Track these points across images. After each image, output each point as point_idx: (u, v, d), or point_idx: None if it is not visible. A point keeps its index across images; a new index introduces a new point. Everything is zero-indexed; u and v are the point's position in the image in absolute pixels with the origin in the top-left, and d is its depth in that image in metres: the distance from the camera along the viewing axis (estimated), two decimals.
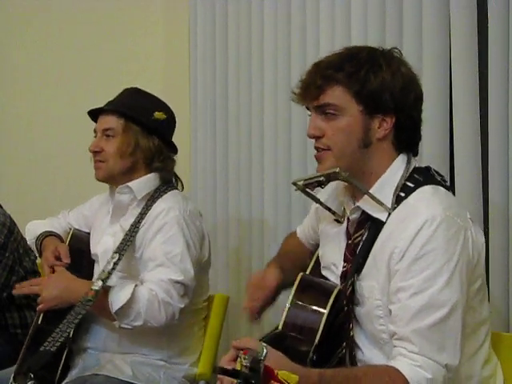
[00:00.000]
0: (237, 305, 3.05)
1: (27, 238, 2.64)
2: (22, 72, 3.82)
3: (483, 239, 1.79)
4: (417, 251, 1.67)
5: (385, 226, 1.76)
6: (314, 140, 1.81)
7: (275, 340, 1.79)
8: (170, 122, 2.51)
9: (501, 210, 2.24)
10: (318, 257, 2.04)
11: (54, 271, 2.42)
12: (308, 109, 1.84)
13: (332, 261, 1.91)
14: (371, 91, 1.75)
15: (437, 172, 1.85)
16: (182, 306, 2.30)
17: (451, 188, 2.28)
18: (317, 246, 2.10)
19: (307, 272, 2.02)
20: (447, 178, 2.30)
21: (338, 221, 1.91)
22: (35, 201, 3.66)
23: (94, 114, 2.50)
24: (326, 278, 1.93)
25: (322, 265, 1.97)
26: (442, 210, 1.70)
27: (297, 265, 2.10)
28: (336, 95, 1.76)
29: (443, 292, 1.65)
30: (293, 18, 2.84)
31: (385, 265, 1.73)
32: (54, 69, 3.72)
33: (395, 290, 1.69)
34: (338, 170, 1.76)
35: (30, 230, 2.62)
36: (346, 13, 2.63)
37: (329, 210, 1.92)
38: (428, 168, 1.85)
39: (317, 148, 1.81)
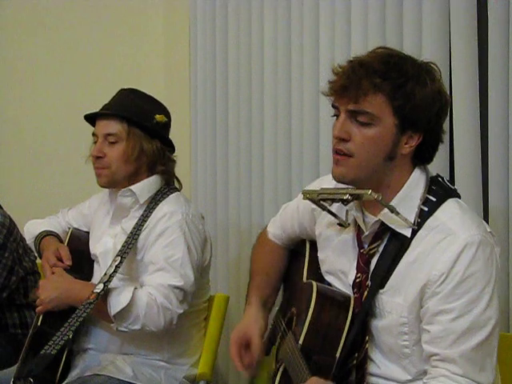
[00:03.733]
0: (237, 305, 3.05)
1: (26, 238, 2.64)
2: (23, 73, 3.82)
3: (499, 249, 1.78)
4: (460, 275, 1.66)
5: (413, 243, 1.74)
6: (335, 142, 1.75)
7: (305, 358, 1.78)
8: (169, 122, 2.51)
9: (501, 211, 2.24)
10: (309, 258, 2.02)
11: (53, 272, 2.42)
12: (334, 106, 1.77)
13: (340, 268, 1.88)
14: (411, 109, 1.70)
15: (447, 180, 1.85)
16: (181, 311, 2.30)
17: None
18: (295, 244, 2.08)
19: (304, 276, 2.00)
20: (447, 179, 2.31)
21: (340, 225, 1.88)
22: (35, 201, 3.65)
23: (90, 117, 2.46)
24: (329, 283, 1.91)
25: (324, 269, 1.95)
26: (477, 230, 1.70)
27: (276, 277, 2.10)
28: (376, 104, 1.69)
29: (485, 313, 1.66)
30: (293, 19, 2.84)
31: (418, 286, 1.71)
32: (54, 69, 3.71)
33: (435, 312, 1.68)
34: (370, 192, 1.72)
35: (29, 230, 2.62)
36: (346, 13, 2.62)
37: (334, 216, 1.87)
38: (438, 176, 1.83)
39: (338, 150, 1.74)
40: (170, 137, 2.51)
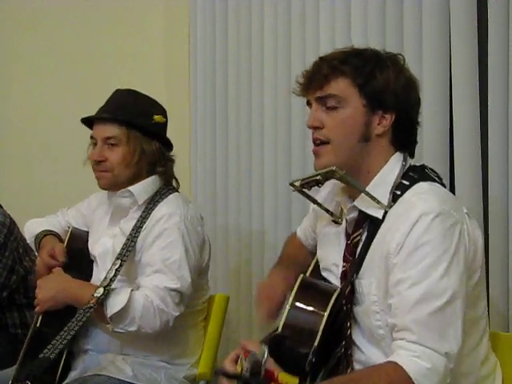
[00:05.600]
0: (237, 305, 3.05)
1: (26, 237, 2.62)
2: (22, 73, 3.82)
3: (480, 232, 1.79)
4: (413, 243, 1.67)
5: (382, 224, 1.77)
6: (312, 132, 1.82)
7: (275, 342, 1.78)
8: (167, 122, 2.49)
9: (501, 211, 2.24)
10: (316, 260, 2.03)
11: (50, 271, 2.41)
12: (308, 103, 1.85)
13: (333, 262, 1.91)
14: (375, 87, 1.77)
15: (432, 170, 1.86)
16: (177, 314, 2.29)
17: (451, 188, 2.29)
18: (316, 246, 2.10)
19: (308, 273, 2.01)
20: (447, 178, 2.31)
21: (335, 222, 1.91)
22: (35, 200, 3.66)
23: (88, 119, 2.44)
24: (326, 279, 1.93)
25: (321, 266, 1.97)
26: (438, 204, 1.70)
27: (298, 267, 2.08)
28: (340, 87, 1.77)
29: (441, 281, 1.65)
30: (293, 19, 2.84)
31: (383, 260, 1.73)
32: (53, 68, 3.72)
33: (394, 283, 1.69)
34: (334, 168, 1.76)
35: (29, 229, 2.60)
36: (346, 13, 2.63)
37: (326, 210, 1.92)
38: (423, 166, 1.86)
39: (315, 140, 1.81)
40: (170, 137, 2.51)
